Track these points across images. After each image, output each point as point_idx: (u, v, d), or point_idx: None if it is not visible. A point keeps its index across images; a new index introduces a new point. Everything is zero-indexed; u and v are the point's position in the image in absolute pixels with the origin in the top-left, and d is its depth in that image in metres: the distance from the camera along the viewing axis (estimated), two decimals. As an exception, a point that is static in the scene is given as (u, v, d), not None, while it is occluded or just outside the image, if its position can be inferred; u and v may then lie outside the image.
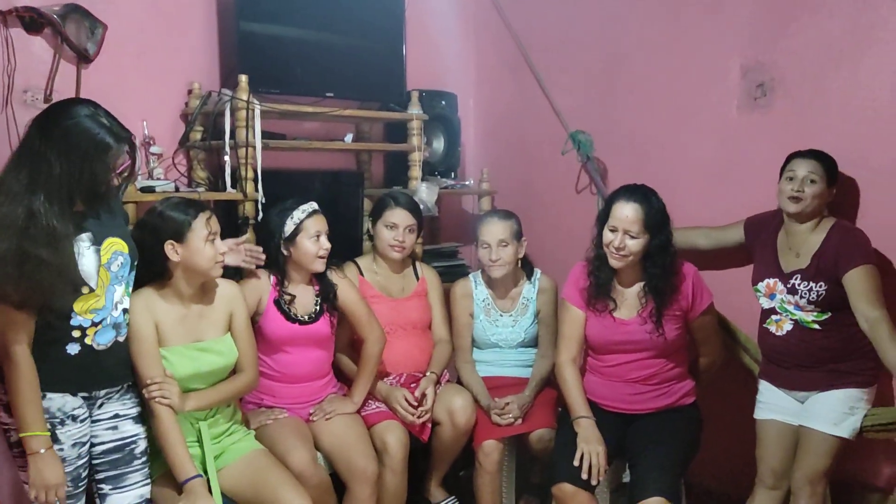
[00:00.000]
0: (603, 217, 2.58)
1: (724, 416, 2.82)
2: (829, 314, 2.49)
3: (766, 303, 2.62)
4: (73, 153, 1.93)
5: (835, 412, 2.44)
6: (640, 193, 2.52)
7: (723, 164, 3.00)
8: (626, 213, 2.49)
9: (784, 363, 2.58)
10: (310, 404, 2.74)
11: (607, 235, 2.53)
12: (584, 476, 2.40)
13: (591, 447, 2.44)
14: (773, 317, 2.60)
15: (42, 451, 1.97)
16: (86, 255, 2.03)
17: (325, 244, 2.67)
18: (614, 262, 2.54)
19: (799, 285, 2.50)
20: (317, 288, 2.77)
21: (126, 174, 2.09)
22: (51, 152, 1.91)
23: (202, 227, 2.25)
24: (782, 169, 2.57)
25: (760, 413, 2.64)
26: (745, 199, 2.82)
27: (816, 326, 2.51)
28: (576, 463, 2.42)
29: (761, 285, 2.62)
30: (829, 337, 2.49)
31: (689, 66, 3.08)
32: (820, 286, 2.46)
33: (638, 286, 2.59)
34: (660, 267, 2.52)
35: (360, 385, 2.78)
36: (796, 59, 2.75)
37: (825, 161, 2.51)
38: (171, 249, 2.23)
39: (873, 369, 2.47)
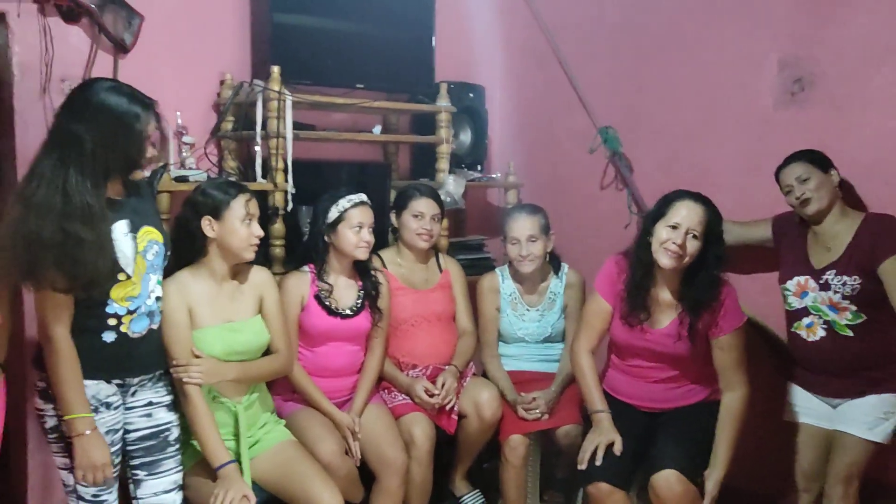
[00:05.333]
0: (656, 215, 2.46)
1: (751, 414, 2.78)
2: (864, 317, 2.44)
3: (795, 302, 2.57)
4: (104, 126, 1.95)
5: (869, 417, 2.43)
6: (703, 198, 2.45)
7: (757, 159, 2.95)
8: (693, 212, 2.39)
9: (816, 370, 2.55)
10: (341, 399, 2.74)
11: (665, 232, 2.41)
12: (598, 462, 2.38)
13: (604, 438, 2.43)
14: (805, 320, 2.54)
15: (87, 432, 1.99)
16: (123, 241, 2.04)
17: (367, 236, 2.68)
18: (667, 262, 2.40)
19: (833, 280, 2.46)
20: (360, 283, 2.78)
21: (160, 159, 2.11)
22: (80, 130, 1.92)
23: (240, 207, 2.30)
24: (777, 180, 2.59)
25: (792, 416, 2.62)
26: (779, 195, 2.75)
27: (850, 332, 2.46)
28: (587, 455, 2.41)
29: (790, 283, 2.58)
30: (864, 343, 2.45)
31: (724, 59, 3.04)
32: (854, 280, 2.42)
33: (671, 296, 2.50)
34: (707, 279, 2.42)
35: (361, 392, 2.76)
36: (836, 55, 2.71)
37: (805, 157, 2.53)
38: (208, 225, 2.28)
39: (908, 372, 2.45)
